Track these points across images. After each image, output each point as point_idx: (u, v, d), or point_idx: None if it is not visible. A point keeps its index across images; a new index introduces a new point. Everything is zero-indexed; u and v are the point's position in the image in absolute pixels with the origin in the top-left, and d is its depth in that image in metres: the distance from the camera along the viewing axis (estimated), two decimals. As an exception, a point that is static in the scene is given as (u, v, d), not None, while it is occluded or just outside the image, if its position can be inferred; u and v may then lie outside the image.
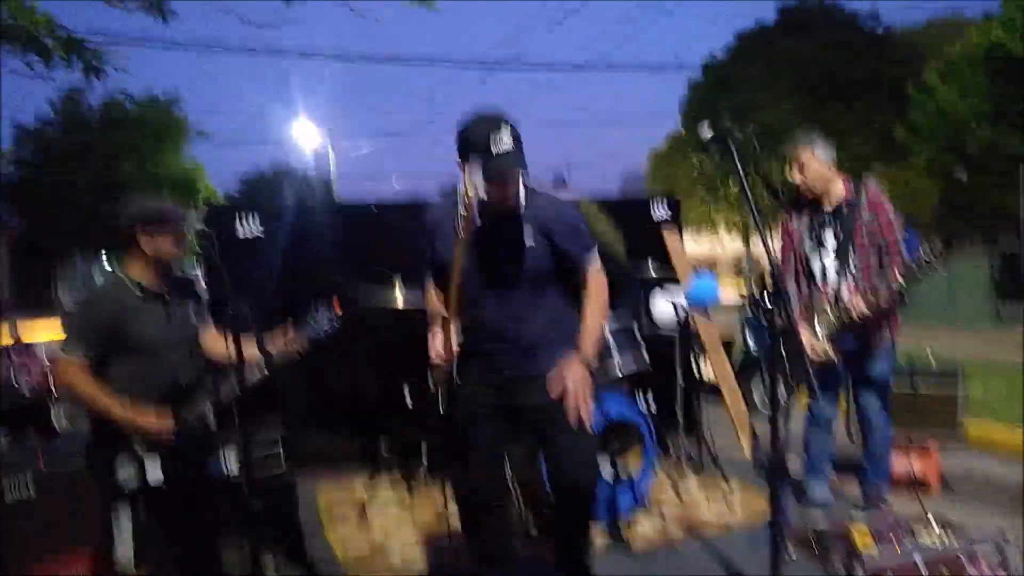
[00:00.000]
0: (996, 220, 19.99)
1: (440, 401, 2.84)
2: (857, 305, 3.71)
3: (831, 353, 3.85)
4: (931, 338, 4.09)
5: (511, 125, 2.54)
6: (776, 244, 3.92)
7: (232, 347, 2.57)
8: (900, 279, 3.62)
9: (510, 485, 3.25)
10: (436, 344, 2.80)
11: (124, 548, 2.86)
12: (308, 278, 4.96)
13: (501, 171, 2.54)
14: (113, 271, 2.99)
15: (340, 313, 3.31)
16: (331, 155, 28.40)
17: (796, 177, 3.91)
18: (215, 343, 3.19)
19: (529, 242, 2.71)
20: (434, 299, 2.91)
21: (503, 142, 2.51)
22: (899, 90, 14.59)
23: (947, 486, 5.07)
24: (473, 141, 2.54)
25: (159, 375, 2.90)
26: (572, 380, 2.68)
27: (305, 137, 28.88)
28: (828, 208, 3.94)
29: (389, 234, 5.19)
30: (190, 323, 3.07)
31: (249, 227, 4.93)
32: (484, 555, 2.97)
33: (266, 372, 2.90)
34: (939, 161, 13.51)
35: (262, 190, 34.86)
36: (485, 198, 2.58)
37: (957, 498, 4.93)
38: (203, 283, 4.68)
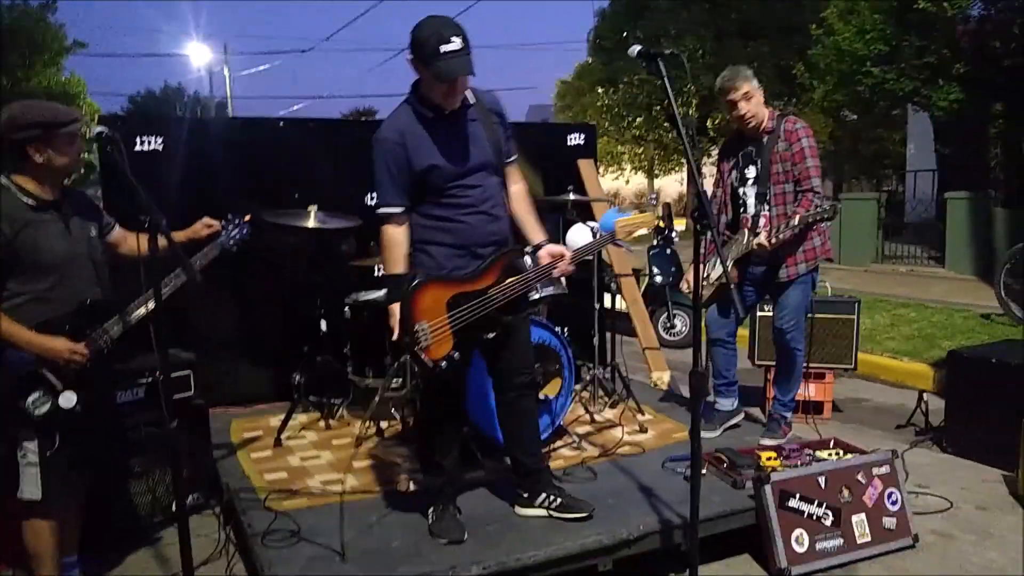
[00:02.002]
0: (883, 160, 21.02)
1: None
2: (760, 240, 3.88)
3: (730, 279, 3.97)
4: (820, 275, 4.28)
5: (461, 29, 2.68)
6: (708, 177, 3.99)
7: (148, 244, 2.37)
8: (796, 219, 3.80)
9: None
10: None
11: (31, 479, 2.68)
12: (212, 195, 4.72)
13: (452, 71, 2.69)
14: (0, 183, 2.71)
15: (250, 219, 3.19)
16: (226, 75, 27.03)
17: (743, 107, 3.94)
18: (128, 240, 2.99)
19: (482, 135, 2.92)
20: (397, 235, 2.91)
21: (454, 44, 2.65)
22: (805, 32, 14.90)
23: (837, 409, 5.43)
24: (424, 44, 2.67)
25: (62, 293, 2.71)
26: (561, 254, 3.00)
27: (198, 55, 27.34)
28: (754, 141, 4.03)
29: (296, 149, 5.02)
30: (90, 236, 2.85)
31: (148, 140, 4.62)
32: (437, 458, 3.13)
33: (197, 276, 2.72)
34: (833, 99, 13.94)
35: (153, 109, 32.89)
36: (438, 97, 2.79)
37: (846, 420, 5.28)
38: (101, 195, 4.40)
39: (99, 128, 2.48)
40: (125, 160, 2.40)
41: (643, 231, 3.28)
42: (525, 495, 3.17)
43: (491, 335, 2.95)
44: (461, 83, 2.79)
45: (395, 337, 2.84)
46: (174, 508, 3.47)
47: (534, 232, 3.06)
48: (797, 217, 3.83)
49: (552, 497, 3.12)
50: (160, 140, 4.64)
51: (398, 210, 2.89)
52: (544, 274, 3.01)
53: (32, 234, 2.64)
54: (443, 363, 2.82)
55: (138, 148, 4.52)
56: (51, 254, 2.68)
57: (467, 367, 3.10)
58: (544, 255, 3.00)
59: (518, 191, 3.11)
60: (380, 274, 5.16)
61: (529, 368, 3.22)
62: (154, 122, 4.87)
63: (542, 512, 3.12)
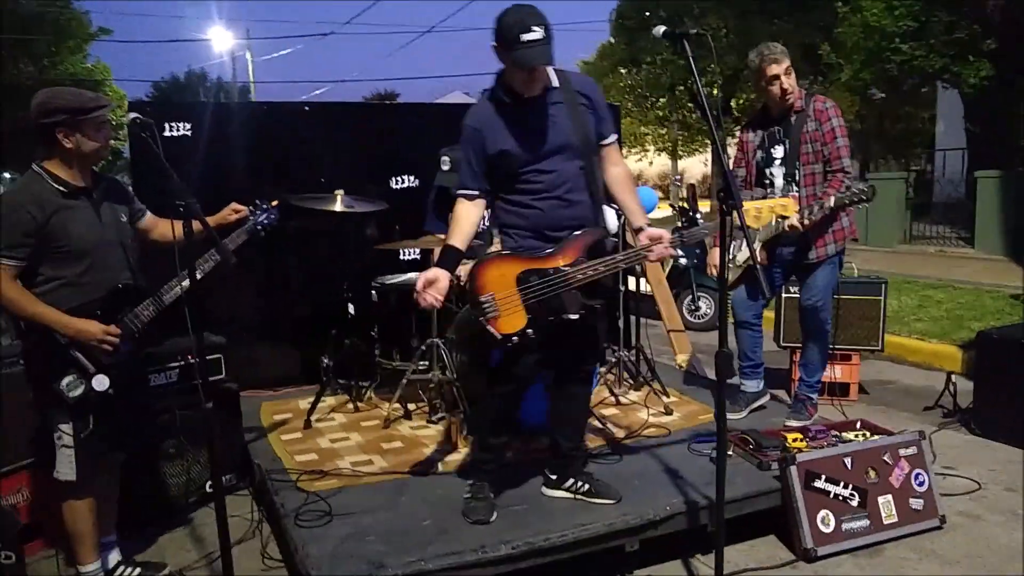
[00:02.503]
0: (911, 139, 20.66)
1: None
2: (792, 222, 3.84)
3: (760, 260, 3.98)
4: (847, 255, 4.25)
5: (543, 18, 2.69)
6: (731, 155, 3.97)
7: (183, 228, 2.41)
8: (831, 201, 3.77)
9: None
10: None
11: (66, 460, 2.75)
12: (240, 179, 4.78)
13: (531, 60, 2.70)
14: (32, 169, 2.76)
15: (278, 204, 3.23)
16: (249, 59, 27.16)
17: (786, 82, 3.89)
18: (160, 226, 3.04)
19: (565, 119, 2.89)
20: (462, 211, 2.94)
21: (535, 33, 2.66)
22: (827, 8, 14.66)
23: (864, 391, 5.40)
24: (507, 31, 2.69)
25: (94, 278, 2.76)
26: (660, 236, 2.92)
27: (220, 40, 27.46)
28: (782, 119, 3.99)
29: (322, 133, 5.06)
30: (121, 221, 2.90)
31: (176, 127, 4.68)
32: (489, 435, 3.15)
33: (232, 258, 2.76)
34: (861, 78, 13.73)
35: (176, 95, 33.13)
36: (518, 84, 2.82)
37: (873, 402, 5.26)
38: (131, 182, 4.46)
39: (132, 114, 2.52)
40: (159, 146, 2.44)
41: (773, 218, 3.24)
42: (554, 476, 3.21)
43: (573, 316, 2.88)
44: (540, 71, 2.80)
45: (436, 303, 2.80)
46: (208, 488, 3.58)
47: (634, 216, 3.01)
48: (832, 199, 3.79)
49: (580, 483, 3.15)
50: (188, 126, 4.71)
51: (471, 193, 2.93)
52: (635, 256, 2.97)
53: (63, 220, 2.69)
54: (514, 338, 2.82)
55: (167, 133, 4.60)
56: (82, 239, 2.72)
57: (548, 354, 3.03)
58: (643, 238, 2.93)
59: (616, 174, 3.06)
60: (406, 257, 5.23)
61: (596, 356, 3.25)
62: (182, 108, 4.94)
63: (569, 496, 3.15)
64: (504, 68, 2.84)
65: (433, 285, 2.77)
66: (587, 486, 3.14)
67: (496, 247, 3.02)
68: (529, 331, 2.83)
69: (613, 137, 3.05)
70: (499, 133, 2.86)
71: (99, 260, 2.77)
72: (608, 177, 3.05)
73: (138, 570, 3.06)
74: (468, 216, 2.92)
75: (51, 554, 3.19)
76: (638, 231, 2.96)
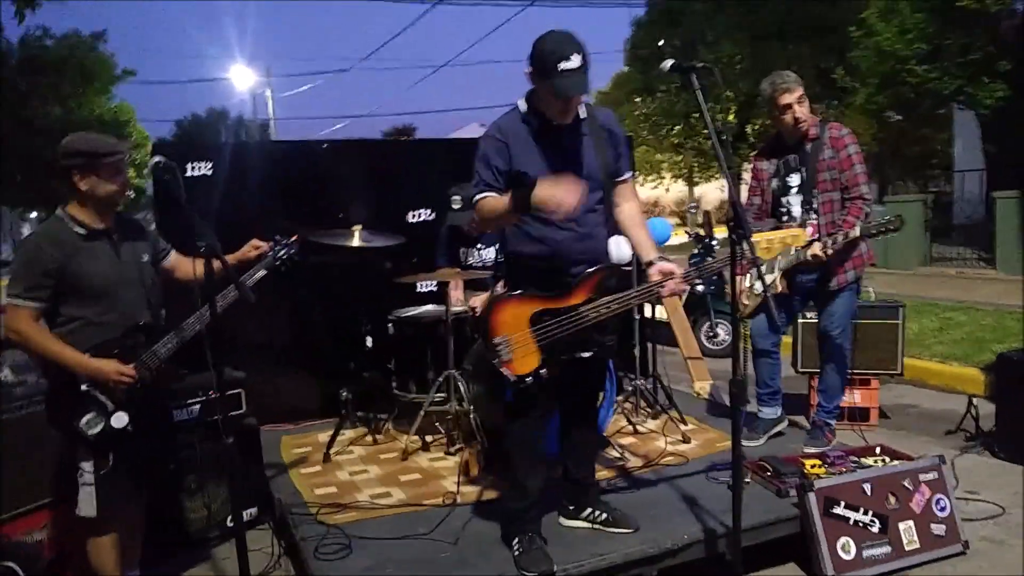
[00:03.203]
0: (929, 161, 20.56)
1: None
2: (815, 251, 3.86)
3: (780, 288, 4.01)
4: (865, 279, 4.24)
5: (582, 46, 2.67)
6: (746, 184, 3.99)
7: (204, 268, 2.46)
8: (857, 230, 3.79)
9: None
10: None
11: (87, 497, 2.80)
12: (260, 217, 4.86)
13: (569, 90, 2.69)
14: (54, 213, 2.85)
15: (297, 240, 3.29)
16: (269, 97, 27.62)
17: (799, 111, 3.93)
18: (183, 265, 3.10)
19: (590, 151, 2.90)
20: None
21: (573, 62, 2.64)
22: (841, 31, 14.72)
23: (884, 416, 5.35)
24: (545, 59, 2.67)
25: (114, 317, 2.82)
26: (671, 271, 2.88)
27: (241, 79, 27.97)
28: (797, 146, 4.02)
29: (339, 170, 5.16)
30: (141, 261, 2.96)
31: (198, 166, 4.78)
32: (525, 462, 3.02)
33: (251, 296, 2.80)
34: (876, 101, 13.75)
35: (198, 134, 33.70)
36: (551, 112, 2.79)
37: (893, 427, 5.21)
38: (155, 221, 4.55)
39: (157, 158, 2.61)
40: (182, 188, 2.51)
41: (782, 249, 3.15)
42: (571, 507, 3.21)
43: (587, 355, 2.87)
44: (575, 101, 2.80)
45: (571, 198, 2.62)
46: (230, 523, 3.62)
47: (645, 250, 2.97)
48: (858, 228, 3.82)
49: (598, 512, 3.15)
50: (209, 165, 4.81)
51: (489, 194, 2.84)
52: (647, 292, 2.94)
53: (82, 261, 2.76)
54: (528, 379, 2.79)
55: (189, 173, 4.70)
56: (101, 279, 2.79)
57: (558, 387, 2.98)
58: (654, 273, 2.90)
59: (629, 208, 3.03)
60: (423, 289, 5.26)
61: (599, 394, 3.26)
62: (203, 148, 5.04)
63: (586, 525, 3.16)
64: (535, 91, 2.82)
65: (559, 187, 2.60)
66: (605, 515, 3.14)
67: (500, 287, 2.99)
68: (543, 371, 2.81)
69: (629, 174, 3.06)
70: (525, 154, 2.83)
71: (118, 299, 2.83)
72: (622, 212, 3.02)
73: (161, 604, 3.10)
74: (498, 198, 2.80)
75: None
76: (649, 265, 2.94)
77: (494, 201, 2.80)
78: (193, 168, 4.75)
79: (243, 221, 4.74)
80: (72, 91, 22.02)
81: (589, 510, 3.16)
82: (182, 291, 3.13)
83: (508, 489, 3.11)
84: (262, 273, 3.16)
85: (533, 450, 3.02)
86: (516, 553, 2.91)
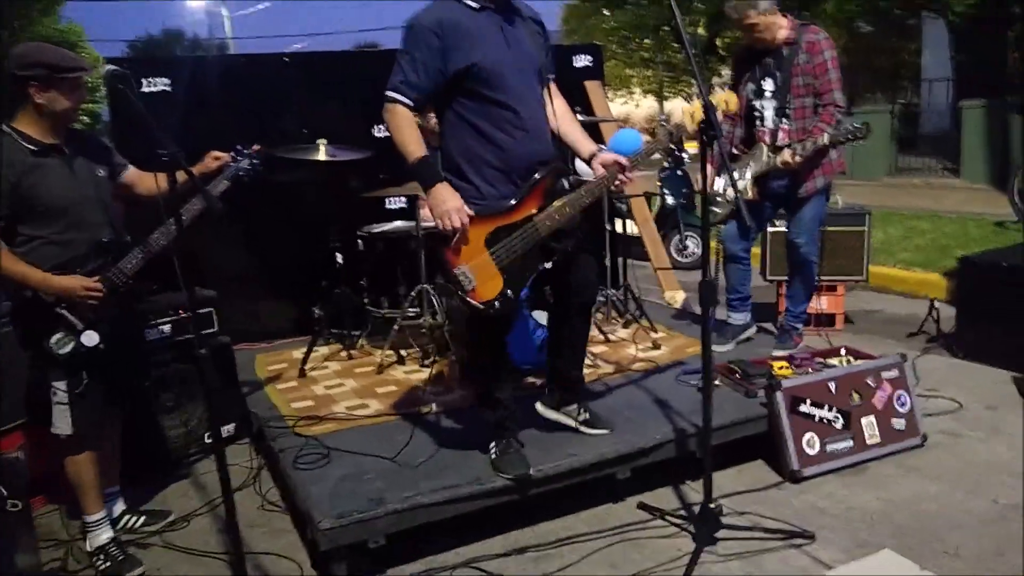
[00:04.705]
0: (898, 72, 20.50)
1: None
2: (785, 158, 3.86)
3: (751, 195, 4.03)
4: (833, 189, 4.28)
5: None
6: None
7: (168, 179, 2.35)
8: (825, 137, 3.78)
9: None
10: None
11: (62, 415, 2.79)
12: (221, 134, 4.73)
13: None
14: (1, 129, 2.72)
15: (259, 150, 3.21)
16: (226, 16, 26.63)
17: (763, 29, 3.88)
18: (144, 180, 3.02)
19: (529, 41, 2.82)
20: (409, 115, 2.70)
21: None
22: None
23: (849, 321, 5.48)
24: None
25: (75, 235, 2.75)
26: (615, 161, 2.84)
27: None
28: (772, 52, 3.98)
29: (302, 84, 5.03)
30: (98, 176, 2.87)
31: (154, 82, 4.63)
32: (492, 372, 3.02)
33: (218, 204, 2.72)
34: (846, 11, 13.60)
35: (154, 54, 32.48)
36: None
37: (858, 332, 5.34)
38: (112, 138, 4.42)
39: (110, 66, 2.49)
40: (137, 96, 2.42)
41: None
42: (555, 397, 3.20)
43: (548, 265, 2.81)
44: None
45: (466, 218, 2.63)
46: (208, 439, 3.65)
47: (582, 145, 2.90)
48: (826, 135, 3.81)
49: (582, 410, 3.18)
50: (167, 81, 4.66)
51: (410, 103, 2.67)
52: (597, 188, 2.84)
53: (35, 179, 2.67)
54: (496, 303, 2.71)
55: (145, 89, 4.55)
56: (57, 197, 2.71)
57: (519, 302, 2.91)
58: (596, 165, 2.81)
59: (559, 105, 2.95)
60: (392, 205, 5.22)
61: (592, 289, 3.09)
62: (159, 63, 4.87)
63: (568, 420, 3.18)
64: None
65: (448, 205, 2.62)
66: (587, 414, 3.18)
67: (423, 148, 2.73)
68: (509, 292, 2.72)
69: (553, 76, 2.98)
70: (467, 42, 2.64)
71: (78, 217, 2.76)
72: (556, 109, 2.93)
73: (143, 518, 3.14)
74: (413, 119, 2.68)
75: (53, 509, 3.27)
76: (591, 158, 2.86)
77: (406, 123, 2.66)
78: (150, 84, 4.61)
79: (204, 138, 4.58)
80: (16, 12, 20.98)
81: (575, 406, 3.18)
82: (145, 208, 3.04)
83: (481, 399, 3.12)
84: (225, 184, 3.05)
85: (501, 355, 3.04)
86: (493, 456, 2.96)
